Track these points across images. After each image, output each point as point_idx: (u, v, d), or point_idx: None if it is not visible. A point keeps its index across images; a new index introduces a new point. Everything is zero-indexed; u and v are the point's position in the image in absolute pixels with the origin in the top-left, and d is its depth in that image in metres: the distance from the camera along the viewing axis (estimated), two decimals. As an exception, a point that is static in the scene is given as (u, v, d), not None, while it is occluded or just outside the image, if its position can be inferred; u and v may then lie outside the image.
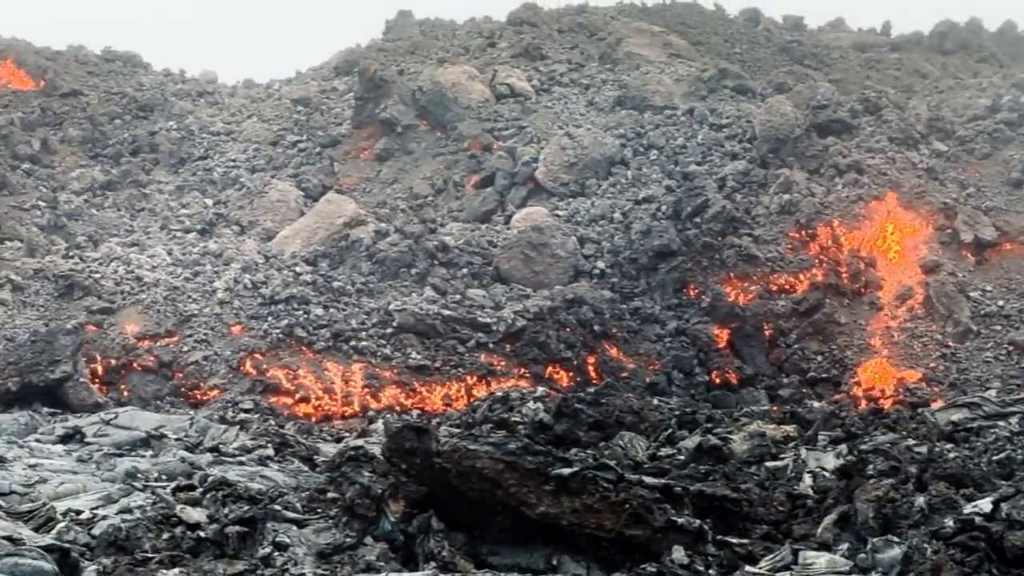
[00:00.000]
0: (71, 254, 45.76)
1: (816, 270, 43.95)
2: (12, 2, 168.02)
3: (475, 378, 39.26)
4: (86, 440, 28.84)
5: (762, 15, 67.18)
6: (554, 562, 15.01)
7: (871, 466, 17.63)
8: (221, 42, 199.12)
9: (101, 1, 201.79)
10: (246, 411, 35.74)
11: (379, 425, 31.10)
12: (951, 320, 42.00)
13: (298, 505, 17.37)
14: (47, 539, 16.00)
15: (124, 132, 59.65)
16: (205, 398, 38.03)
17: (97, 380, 38.62)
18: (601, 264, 45.08)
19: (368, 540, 15.86)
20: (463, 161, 53.37)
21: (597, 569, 14.68)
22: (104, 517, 17.53)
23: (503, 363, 39.83)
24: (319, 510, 17.07)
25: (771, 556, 14.76)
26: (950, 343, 41.55)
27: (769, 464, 19.71)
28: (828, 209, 46.03)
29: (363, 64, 60.06)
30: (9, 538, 15.22)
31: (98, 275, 43.10)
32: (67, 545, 15.73)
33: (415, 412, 36.32)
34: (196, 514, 16.57)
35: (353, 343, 40.09)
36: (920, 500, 15.69)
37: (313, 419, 36.62)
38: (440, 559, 14.94)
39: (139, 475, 22.16)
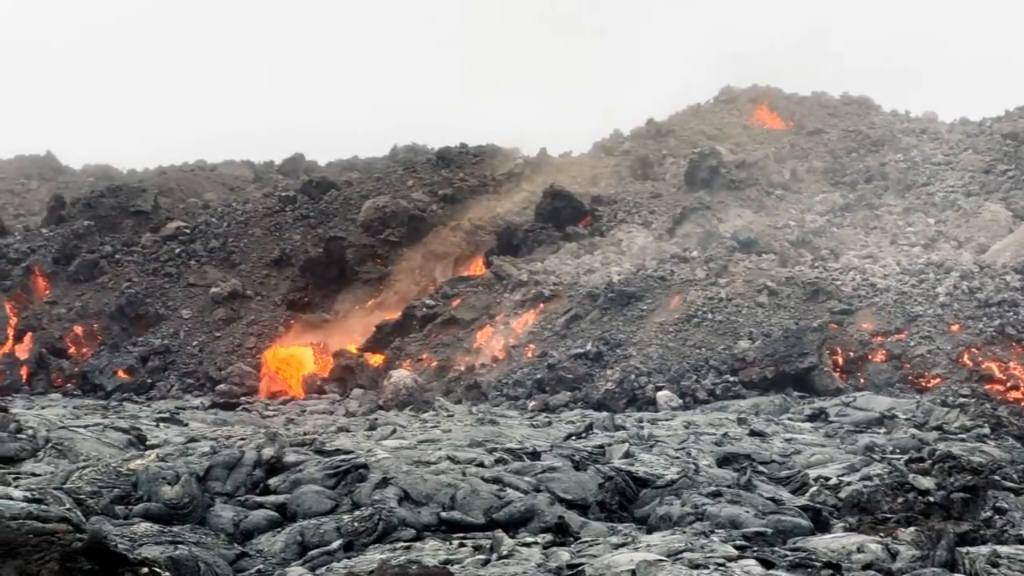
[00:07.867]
0: (816, 264, 46.98)
1: None
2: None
3: None
4: (830, 419, 29.79)
5: None
6: None
7: None
8: (940, 84, 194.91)
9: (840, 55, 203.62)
10: (964, 396, 35.23)
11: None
12: None
13: (1015, 476, 17.17)
14: (802, 500, 16.87)
15: (859, 163, 60.59)
16: (928, 385, 37.88)
17: (838, 369, 39.48)
18: None
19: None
20: None
21: None
22: (848, 483, 17.99)
23: None
24: (1033, 482, 16.83)
25: None
26: None
27: None
28: None
29: (1070, 98, 58.48)
30: (772, 499, 16.30)
31: (839, 282, 44.04)
32: (818, 505, 16.48)
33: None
34: (926, 482, 16.59)
35: (1058, 341, 38.80)
36: None
37: (1022, 404, 35.62)
38: None
39: (876, 448, 22.65)
